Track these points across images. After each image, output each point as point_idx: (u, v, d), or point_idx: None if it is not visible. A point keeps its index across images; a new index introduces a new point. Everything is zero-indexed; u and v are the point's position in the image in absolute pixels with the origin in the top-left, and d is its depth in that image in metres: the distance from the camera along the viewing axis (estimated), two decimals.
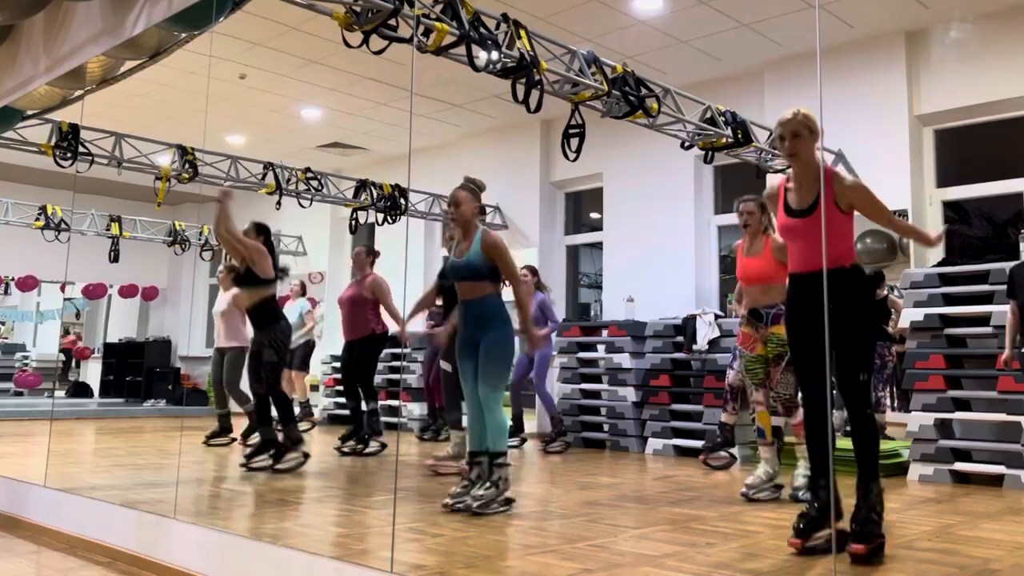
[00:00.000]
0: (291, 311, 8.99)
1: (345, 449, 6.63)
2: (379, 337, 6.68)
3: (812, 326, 3.19)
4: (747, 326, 4.67)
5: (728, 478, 5.61)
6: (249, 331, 6.56)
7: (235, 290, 7.00)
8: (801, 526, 3.22)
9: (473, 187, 4.38)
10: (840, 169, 3.39)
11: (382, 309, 6.68)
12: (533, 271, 7.62)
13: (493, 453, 4.18)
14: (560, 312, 9.07)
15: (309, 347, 8.97)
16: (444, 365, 5.91)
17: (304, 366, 8.98)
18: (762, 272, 4.55)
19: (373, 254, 6.81)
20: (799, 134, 3.23)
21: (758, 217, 4.59)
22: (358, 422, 6.67)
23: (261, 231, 5.97)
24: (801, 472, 4.56)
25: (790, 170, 3.37)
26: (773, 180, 3.47)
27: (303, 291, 9.28)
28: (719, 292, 8.30)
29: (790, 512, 3.78)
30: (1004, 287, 5.29)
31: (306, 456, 5.70)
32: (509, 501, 4.20)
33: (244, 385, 6.55)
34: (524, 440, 7.66)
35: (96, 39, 4.43)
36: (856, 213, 3.26)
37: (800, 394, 3.54)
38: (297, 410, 8.59)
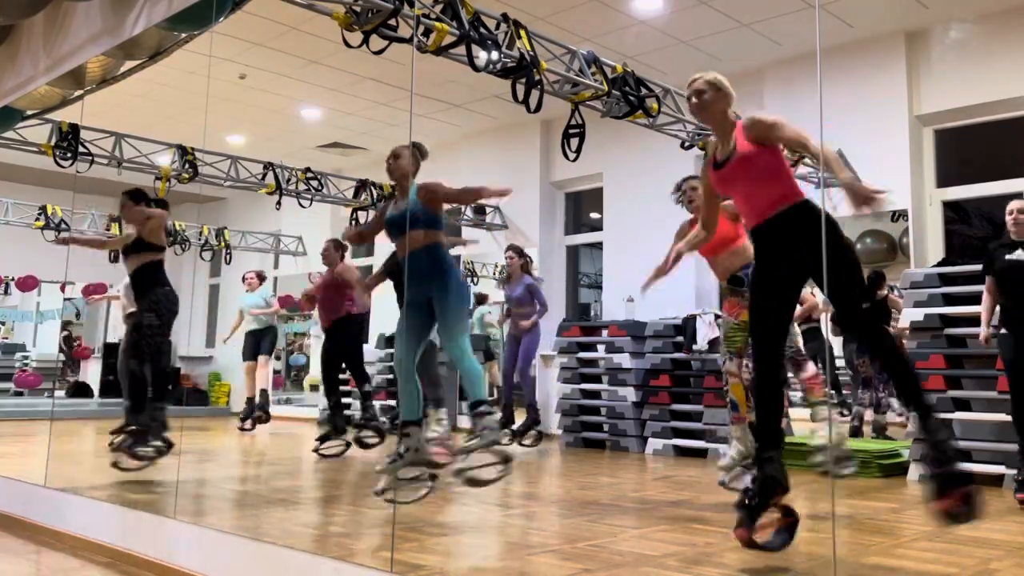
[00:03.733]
0: (255, 296, 8.99)
1: (325, 451, 6.32)
2: (357, 317, 6.57)
3: (775, 278, 3.08)
4: (730, 294, 4.47)
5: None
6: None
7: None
8: (745, 509, 2.94)
9: (415, 150, 4.28)
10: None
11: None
12: (519, 252, 7.49)
13: (473, 402, 3.92)
14: (560, 312, 9.07)
15: (275, 333, 8.90)
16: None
17: (269, 352, 8.89)
18: (723, 236, 4.34)
19: (341, 248, 6.70)
20: (702, 91, 3.27)
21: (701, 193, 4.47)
22: (336, 420, 6.42)
23: (140, 198, 5.44)
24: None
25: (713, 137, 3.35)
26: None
27: (260, 280, 9.25)
28: (719, 292, 8.29)
29: None
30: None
31: (170, 445, 5.00)
32: (507, 459, 3.78)
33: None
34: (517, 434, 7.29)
35: (96, 39, 4.43)
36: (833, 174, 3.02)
37: (755, 357, 3.24)
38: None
